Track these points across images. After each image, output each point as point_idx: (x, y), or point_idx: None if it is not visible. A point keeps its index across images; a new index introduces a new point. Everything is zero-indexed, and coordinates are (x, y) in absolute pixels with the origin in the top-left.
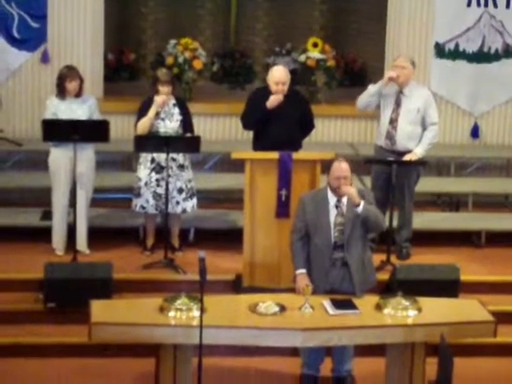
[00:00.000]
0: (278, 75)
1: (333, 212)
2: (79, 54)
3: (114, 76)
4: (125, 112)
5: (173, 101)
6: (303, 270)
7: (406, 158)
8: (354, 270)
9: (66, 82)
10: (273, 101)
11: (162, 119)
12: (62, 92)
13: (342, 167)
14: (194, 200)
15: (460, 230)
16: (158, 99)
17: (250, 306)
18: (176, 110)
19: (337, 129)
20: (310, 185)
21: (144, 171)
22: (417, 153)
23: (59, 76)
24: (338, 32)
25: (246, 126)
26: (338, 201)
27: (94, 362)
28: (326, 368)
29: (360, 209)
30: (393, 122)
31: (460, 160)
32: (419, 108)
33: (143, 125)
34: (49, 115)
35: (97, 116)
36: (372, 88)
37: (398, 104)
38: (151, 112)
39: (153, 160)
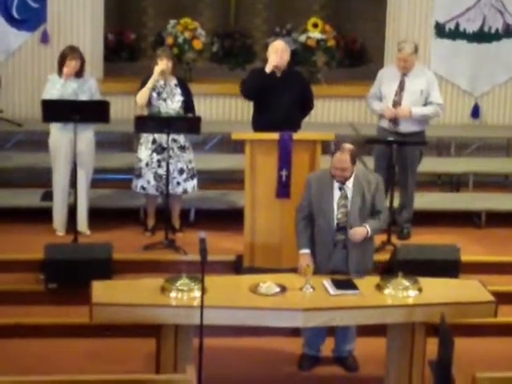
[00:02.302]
0: (279, 44)
1: (337, 194)
2: (79, 35)
3: (114, 56)
4: (125, 92)
5: (174, 81)
6: (306, 250)
7: (400, 109)
8: (352, 252)
9: (67, 59)
10: (270, 64)
11: (164, 100)
12: (62, 71)
13: (341, 159)
14: (195, 181)
15: (460, 211)
16: (156, 68)
17: (251, 287)
18: (178, 91)
19: (337, 109)
20: (310, 165)
21: (145, 152)
22: (411, 111)
23: (60, 55)
24: (339, 12)
25: (244, 91)
26: (342, 183)
27: (94, 343)
28: (328, 348)
29: (369, 236)
30: (396, 104)
31: (460, 140)
32: (422, 90)
33: (142, 95)
34: (50, 89)
35: (97, 97)
36: (376, 107)
37: (401, 87)
38: (150, 83)
39: (154, 141)
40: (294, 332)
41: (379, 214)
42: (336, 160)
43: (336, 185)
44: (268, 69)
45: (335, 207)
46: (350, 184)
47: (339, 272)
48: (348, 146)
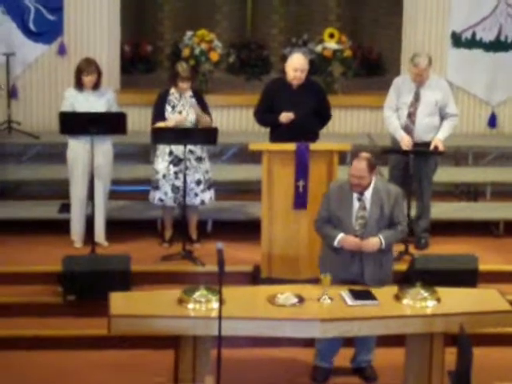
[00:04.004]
0: (298, 62)
1: (355, 205)
2: (96, 46)
3: (131, 68)
4: (142, 104)
5: (190, 93)
6: (341, 233)
7: (433, 146)
8: (367, 263)
9: (83, 75)
10: (283, 117)
11: (180, 112)
12: (79, 84)
13: (358, 167)
14: (212, 191)
15: (478, 220)
16: (177, 118)
17: (269, 298)
18: (193, 102)
19: (353, 119)
20: (327, 175)
21: (162, 164)
22: (441, 139)
23: (77, 69)
24: (355, 22)
25: (259, 124)
26: (361, 193)
27: (113, 355)
28: (346, 359)
29: (383, 247)
30: (411, 115)
31: (478, 149)
32: (437, 100)
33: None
34: (66, 106)
35: (115, 109)
36: (396, 130)
37: (416, 98)
38: (170, 124)
39: (171, 152)
40: (309, 342)
41: (397, 225)
42: (353, 168)
43: (355, 196)
44: (282, 120)
45: (353, 218)
46: (368, 195)
47: (356, 283)
48: (365, 154)
